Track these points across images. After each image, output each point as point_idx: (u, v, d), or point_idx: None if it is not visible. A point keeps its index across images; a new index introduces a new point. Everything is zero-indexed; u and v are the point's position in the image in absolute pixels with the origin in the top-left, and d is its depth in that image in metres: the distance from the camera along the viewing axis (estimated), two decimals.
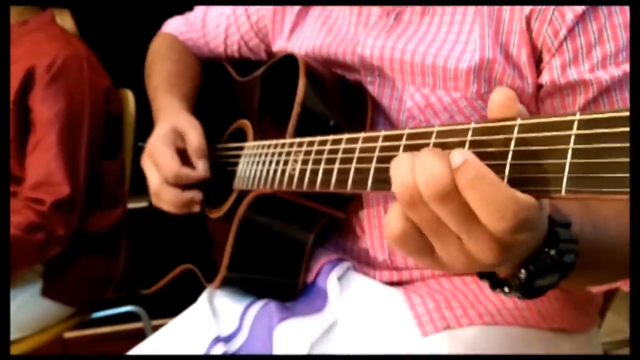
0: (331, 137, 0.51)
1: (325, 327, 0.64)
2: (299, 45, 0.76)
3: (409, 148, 0.41)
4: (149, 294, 0.88)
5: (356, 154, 0.47)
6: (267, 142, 0.64)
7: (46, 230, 1.03)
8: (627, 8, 0.55)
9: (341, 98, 0.69)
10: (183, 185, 0.72)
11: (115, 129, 1.23)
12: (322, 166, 0.51)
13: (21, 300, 1.08)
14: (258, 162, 0.65)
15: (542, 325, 0.63)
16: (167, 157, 0.70)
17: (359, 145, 0.47)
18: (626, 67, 0.55)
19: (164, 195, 0.71)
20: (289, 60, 0.69)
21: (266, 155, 0.63)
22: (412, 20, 0.65)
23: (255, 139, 0.70)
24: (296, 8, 0.77)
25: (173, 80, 0.86)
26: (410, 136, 0.41)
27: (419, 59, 0.62)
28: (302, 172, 0.54)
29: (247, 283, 0.71)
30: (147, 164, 0.73)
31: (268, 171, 0.61)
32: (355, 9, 0.70)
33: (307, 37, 0.75)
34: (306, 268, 0.72)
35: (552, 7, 0.55)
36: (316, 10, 0.75)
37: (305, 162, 0.54)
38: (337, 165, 0.49)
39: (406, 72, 0.64)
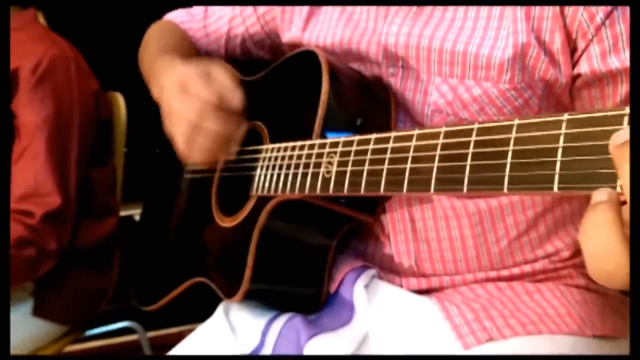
0: (374, 136, 0.47)
1: (357, 341, 0.60)
2: (316, 37, 0.71)
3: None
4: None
5: (408, 154, 0.43)
6: (290, 144, 0.60)
7: (36, 245, 0.96)
8: None
9: (363, 95, 0.65)
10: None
11: (105, 135, 1.17)
12: (366, 167, 0.47)
13: (12, 321, 1.00)
14: (281, 166, 0.60)
15: (587, 333, 0.60)
16: (204, 84, 0.61)
17: (408, 144, 0.43)
18: None
19: (211, 122, 0.59)
20: (308, 56, 0.64)
21: (291, 158, 0.59)
22: (437, 7, 0.61)
23: (272, 141, 0.66)
24: None
25: (171, 52, 0.78)
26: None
27: (449, 47, 0.59)
28: (341, 175, 0.50)
29: (268, 295, 0.66)
30: (177, 96, 0.61)
31: (295, 175, 0.57)
32: None
33: (326, 28, 0.70)
34: (329, 277, 0.68)
35: None
36: None
37: (343, 163, 0.50)
38: (386, 166, 0.45)
39: (433, 62, 0.60)
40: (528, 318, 0.59)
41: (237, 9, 0.83)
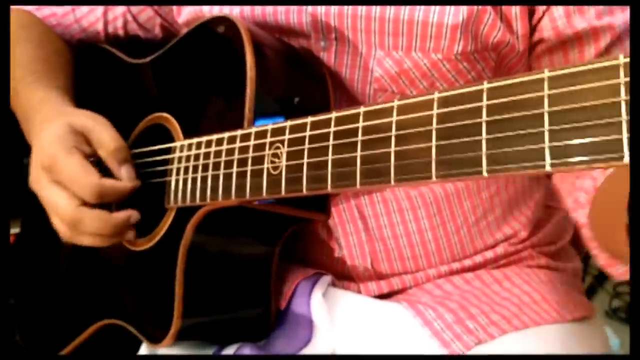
0: (334, 115, 0.37)
1: None
2: (218, 9, 0.59)
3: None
4: None
5: (389, 133, 0.33)
6: (215, 137, 0.47)
7: None
8: None
9: (295, 69, 0.54)
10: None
11: None
12: (331, 156, 0.36)
13: None
14: (206, 167, 0.47)
15: (567, 317, 0.55)
16: (77, 169, 0.49)
17: (388, 119, 0.33)
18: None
19: (88, 223, 0.49)
20: (221, 26, 0.52)
21: (218, 154, 0.46)
22: None
23: (187, 136, 0.52)
24: None
25: (40, 67, 0.63)
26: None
27: (391, 14, 0.50)
28: (295, 169, 0.39)
29: (206, 329, 0.53)
30: (44, 184, 0.51)
31: (229, 176, 0.44)
32: None
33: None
34: (276, 291, 0.56)
35: None
36: None
37: (295, 154, 0.39)
38: (359, 152, 0.34)
39: (373, 32, 0.51)
40: (509, 310, 0.53)
41: None
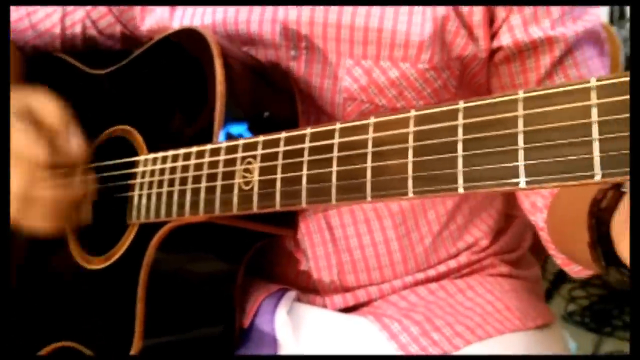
0: (309, 131, 0.37)
1: None
2: (190, 18, 0.58)
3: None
4: None
5: (365, 149, 0.33)
6: (182, 151, 0.46)
7: None
8: None
9: (263, 83, 0.53)
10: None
11: None
12: (305, 171, 0.36)
13: None
14: (172, 182, 0.46)
15: (529, 325, 0.56)
16: (28, 139, 0.46)
17: (363, 137, 0.34)
18: (584, 22, 0.51)
19: (42, 191, 0.47)
20: (188, 38, 0.51)
21: (185, 169, 0.45)
22: None
23: (151, 150, 0.51)
24: None
25: None
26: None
27: (361, 22, 0.50)
28: (268, 184, 0.38)
29: (168, 349, 0.51)
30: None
31: (197, 191, 0.43)
32: None
33: (200, 9, 0.57)
34: (240, 309, 0.55)
35: None
36: None
37: (268, 170, 0.38)
38: (335, 167, 0.34)
39: (343, 41, 0.52)
40: (472, 320, 0.54)
41: None
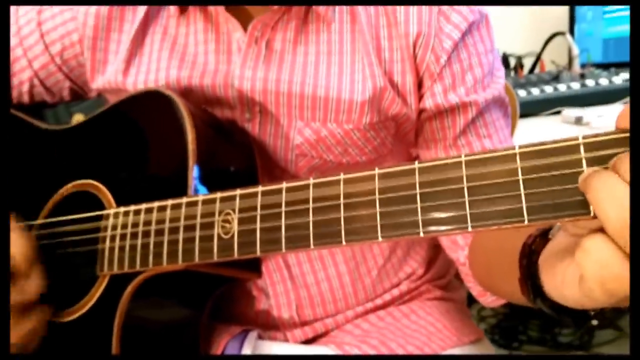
0: (284, 185, 0.42)
1: None
2: (143, 81, 0.61)
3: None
4: None
5: (338, 201, 0.39)
6: (156, 204, 0.49)
7: None
8: (491, 35, 0.61)
9: (227, 140, 0.58)
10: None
11: None
12: (284, 221, 0.41)
13: None
14: (147, 233, 0.49)
15: (465, 340, 0.64)
16: None
17: (336, 192, 0.40)
18: (492, 90, 0.61)
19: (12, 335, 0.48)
20: (154, 99, 0.55)
21: (161, 221, 0.48)
22: (286, 50, 0.58)
23: (120, 203, 0.53)
24: (130, 33, 0.62)
25: None
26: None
27: (309, 91, 0.57)
28: (247, 234, 0.43)
29: None
30: None
31: (174, 242, 0.47)
32: (209, 35, 0.60)
33: (155, 68, 0.61)
34: (205, 351, 0.58)
35: (432, 35, 0.57)
36: (156, 36, 0.62)
37: (247, 220, 0.43)
38: (311, 218, 0.40)
39: (294, 106, 0.58)
40: (419, 340, 0.61)
41: (19, 48, 0.66)
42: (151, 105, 0.55)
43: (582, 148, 0.32)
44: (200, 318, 0.57)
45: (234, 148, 0.58)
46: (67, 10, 0.64)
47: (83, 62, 0.65)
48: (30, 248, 0.51)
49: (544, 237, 0.39)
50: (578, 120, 0.93)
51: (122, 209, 0.52)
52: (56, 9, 0.65)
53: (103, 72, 0.64)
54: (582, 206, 0.31)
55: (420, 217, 0.36)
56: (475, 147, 0.59)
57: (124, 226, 0.51)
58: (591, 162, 0.31)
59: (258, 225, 0.42)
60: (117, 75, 0.62)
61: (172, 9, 0.61)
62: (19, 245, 0.50)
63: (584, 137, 0.32)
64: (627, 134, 0.30)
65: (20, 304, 0.49)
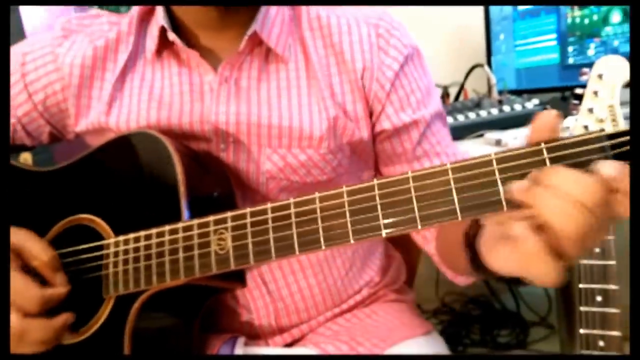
0: (269, 205, 0.52)
1: None
2: (125, 120, 0.69)
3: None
4: None
5: (316, 214, 0.49)
6: (154, 231, 0.57)
7: None
8: (423, 63, 0.73)
9: (206, 169, 0.67)
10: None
11: None
12: (272, 235, 0.51)
13: None
14: (149, 256, 0.57)
15: (418, 333, 0.75)
16: (19, 283, 0.54)
17: (313, 206, 0.50)
18: (432, 106, 0.72)
19: (34, 333, 0.54)
20: (142, 139, 0.63)
21: (160, 245, 0.56)
22: (251, 86, 0.68)
23: (118, 232, 0.61)
24: (111, 81, 0.70)
25: None
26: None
27: (275, 122, 0.66)
28: (241, 248, 0.52)
29: None
30: None
31: (175, 261, 0.55)
32: (184, 77, 0.69)
33: (135, 110, 0.69)
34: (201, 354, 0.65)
35: (375, 68, 0.68)
36: (135, 82, 0.70)
37: (239, 237, 0.52)
38: (295, 230, 0.50)
39: (263, 136, 0.67)
40: (381, 335, 0.71)
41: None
42: (139, 145, 0.63)
43: (494, 162, 0.44)
44: (193, 327, 0.65)
45: (212, 176, 0.67)
46: (50, 63, 0.72)
47: (64, 108, 0.72)
48: (54, 256, 0.58)
49: (477, 223, 0.51)
50: (498, 142, 1.07)
51: (121, 238, 0.59)
52: (39, 61, 0.72)
53: (87, 115, 0.71)
54: (498, 204, 0.43)
55: (381, 222, 0.47)
56: (430, 154, 0.71)
57: (126, 252, 0.58)
58: (502, 171, 0.43)
59: (250, 240, 0.52)
60: (100, 116, 0.69)
61: (149, 55, 0.70)
62: (43, 253, 0.58)
63: (495, 154, 0.44)
64: (526, 149, 0.43)
65: (47, 306, 0.56)
